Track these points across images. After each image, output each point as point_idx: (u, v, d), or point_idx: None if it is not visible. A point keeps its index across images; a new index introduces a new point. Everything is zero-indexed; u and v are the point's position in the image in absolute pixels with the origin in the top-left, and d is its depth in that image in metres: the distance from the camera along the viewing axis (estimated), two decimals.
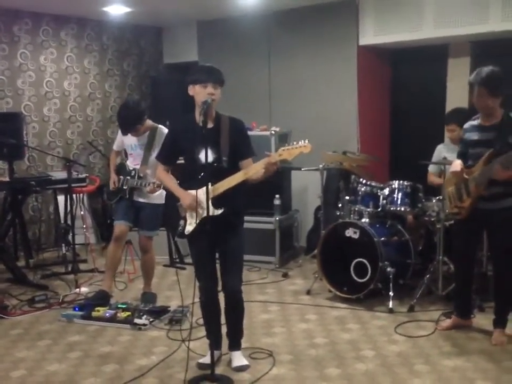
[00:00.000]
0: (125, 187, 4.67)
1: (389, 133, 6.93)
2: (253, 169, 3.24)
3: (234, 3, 6.10)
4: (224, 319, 3.65)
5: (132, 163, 4.73)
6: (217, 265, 3.54)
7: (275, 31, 6.69)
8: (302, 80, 6.57)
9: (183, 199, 3.35)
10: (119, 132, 4.81)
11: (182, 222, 3.41)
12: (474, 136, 3.84)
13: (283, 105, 6.71)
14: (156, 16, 7.05)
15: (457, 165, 3.87)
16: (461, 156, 3.97)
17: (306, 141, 3.12)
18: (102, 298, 4.67)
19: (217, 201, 3.25)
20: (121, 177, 4.72)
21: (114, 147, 4.96)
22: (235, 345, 3.66)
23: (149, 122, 4.66)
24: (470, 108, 5.35)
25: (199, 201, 3.24)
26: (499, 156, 3.62)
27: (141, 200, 4.66)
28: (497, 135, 3.69)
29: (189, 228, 3.37)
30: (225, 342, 3.70)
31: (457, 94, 6.08)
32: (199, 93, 3.28)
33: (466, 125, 3.95)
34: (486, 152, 3.71)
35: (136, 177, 4.63)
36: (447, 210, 4.20)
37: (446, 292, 4.57)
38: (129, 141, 4.70)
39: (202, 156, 3.23)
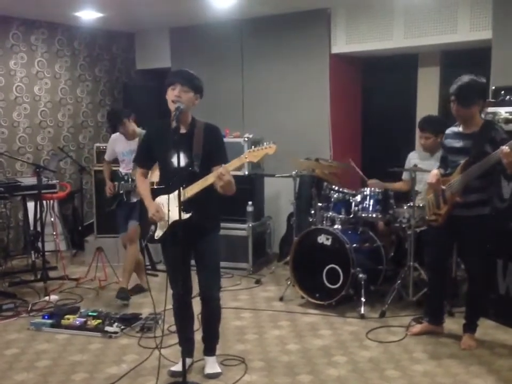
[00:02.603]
0: (121, 191, 5.01)
1: (360, 140, 7.01)
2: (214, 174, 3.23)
3: (207, 10, 6.10)
4: (200, 324, 3.63)
5: (124, 169, 5.04)
6: (192, 272, 3.53)
7: (248, 39, 6.71)
8: (275, 87, 6.61)
9: (148, 209, 3.38)
10: (109, 142, 5.21)
11: (152, 227, 3.41)
12: (454, 143, 3.87)
13: (256, 112, 6.73)
14: (128, 22, 7.02)
15: (433, 176, 3.91)
16: (442, 161, 4.01)
17: (271, 142, 3.17)
18: (139, 291, 5.17)
19: (188, 205, 3.24)
20: (116, 183, 5.04)
21: (106, 157, 5.27)
22: (210, 350, 3.64)
23: (138, 129, 4.97)
24: (441, 116, 5.47)
25: (163, 209, 3.29)
26: (475, 164, 3.65)
27: (135, 199, 4.87)
28: (474, 143, 3.72)
29: (159, 233, 3.37)
30: (197, 349, 3.68)
31: (427, 102, 6.19)
32: (169, 95, 3.29)
33: (448, 131, 3.96)
34: (463, 160, 3.74)
35: (129, 180, 4.93)
36: (426, 217, 4.23)
37: (416, 297, 4.61)
38: (120, 148, 5.03)
39: (174, 160, 3.23)
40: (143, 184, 3.51)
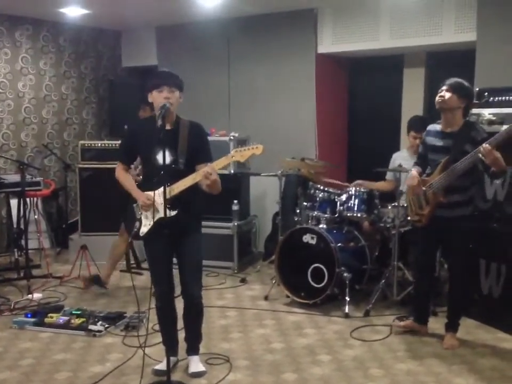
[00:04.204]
0: None
1: (346, 140, 7.03)
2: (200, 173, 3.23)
3: (194, 8, 6.08)
4: (183, 323, 3.62)
5: None
6: (175, 270, 3.53)
7: (234, 38, 6.70)
8: (261, 86, 6.61)
9: (138, 198, 3.37)
10: None
11: (137, 224, 3.40)
12: (434, 141, 3.89)
13: (242, 111, 6.73)
14: (115, 19, 6.97)
15: (413, 178, 3.94)
16: (420, 158, 4.05)
17: (258, 143, 3.18)
18: (96, 281, 5.16)
19: (174, 202, 3.25)
20: None
21: None
22: (193, 350, 3.64)
23: None
24: (427, 116, 5.50)
25: (154, 202, 3.27)
26: (455, 163, 3.68)
27: None
28: (455, 143, 3.76)
29: (144, 230, 3.37)
30: (181, 348, 3.68)
31: (412, 102, 6.23)
32: (156, 98, 3.31)
33: (430, 127, 3.99)
34: (443, 159, 3.77)
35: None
36: (408, 218, 4.25)
37: (400, 297, 4.65)
38: None
39: (159, 157, 3.23)
40: (126, 178, 3.52)
